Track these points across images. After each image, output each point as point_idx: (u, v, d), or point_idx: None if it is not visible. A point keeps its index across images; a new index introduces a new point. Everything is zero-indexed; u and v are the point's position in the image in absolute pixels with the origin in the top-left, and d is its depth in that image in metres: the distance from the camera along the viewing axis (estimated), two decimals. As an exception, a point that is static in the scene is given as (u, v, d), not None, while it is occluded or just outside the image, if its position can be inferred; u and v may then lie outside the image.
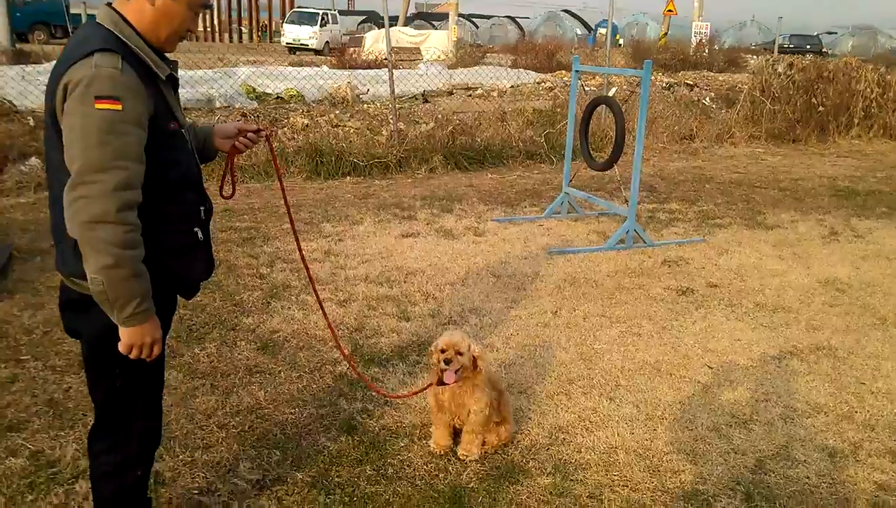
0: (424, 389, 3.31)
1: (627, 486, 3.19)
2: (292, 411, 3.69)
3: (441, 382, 3.17)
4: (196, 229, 2.30)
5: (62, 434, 3.39)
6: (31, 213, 7.02)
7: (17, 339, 4.36)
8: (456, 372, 3.10)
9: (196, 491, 3.03)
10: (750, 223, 7.80)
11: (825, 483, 3.26)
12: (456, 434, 3.36)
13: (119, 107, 1.94)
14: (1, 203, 7.41)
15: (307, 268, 3.14)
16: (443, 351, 3.09)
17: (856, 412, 3.90)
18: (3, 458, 3.19)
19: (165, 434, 3.37)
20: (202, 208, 2.34)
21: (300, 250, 3.08)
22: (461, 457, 3.28)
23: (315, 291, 3.22)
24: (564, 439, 3.54)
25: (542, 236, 7.07)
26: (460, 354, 3.09)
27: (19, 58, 16.20)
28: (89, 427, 2.41)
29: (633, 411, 3.82)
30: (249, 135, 2.61)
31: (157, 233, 2.13)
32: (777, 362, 4.46)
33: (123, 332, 2.08)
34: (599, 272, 6.03)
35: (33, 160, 8.23)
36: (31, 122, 9.05)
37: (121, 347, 2.10)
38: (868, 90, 14.22)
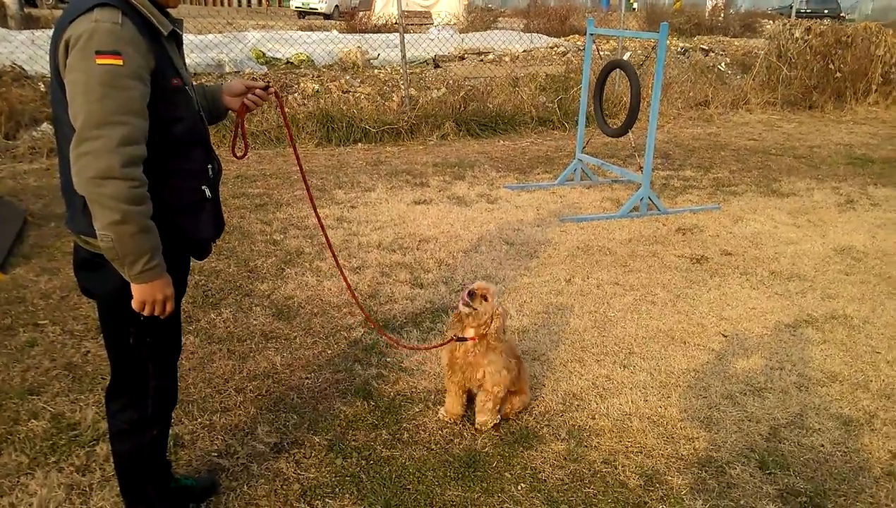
0: (445, 343, 3.32)
1: (641, 452, 3.20)
2: (308, 376, 3.72)
3: (460, 338, 3.19)
4: (204, 187, 2.29)
5: (82, 397, 3.44)
6: (44, 179, 7.04)
7: (34, 304, 4.40)
8: (472, 309, 3.11)
9: (215, 454, 3.07)
10: (765, 190, 7.73)
11: (839, 452, 3.27)
12: (469, 402, 3.39)
13: (120, 61, 1.93)
14: (14, 168, 7.43)
15: (324, 231, 3.13)
16: (471, 293, 3.12)
17: (871, 381, 3.89)
18: (25, 420, 3.24)
19: (184, 398, 3.42)
20: (210, 166, 2.34)
21: (317, 214, 3.06)
22: (477, 428, 3.29)
23: (333, 254, 3.20)
24: (578, 405, 3.55)
25: (554, 203, 7.04)
26: (486, 299, 3.12)
27: (28, 23, 16.10)
28: (109, 389, 2.44)
29: (647, 378, 3.83)
30: (258, 92, 2.59)
31: (163, 189, 2.13)
32: (792, 330, 4.45)
33: (135, 289, 2.09)
34: (613, 240, 6.01)
35: (45, 126, 8.23)
36: (42, 88, 9.03)
37: (133, 304, 2.12)
38: (888, 55, 13.93)
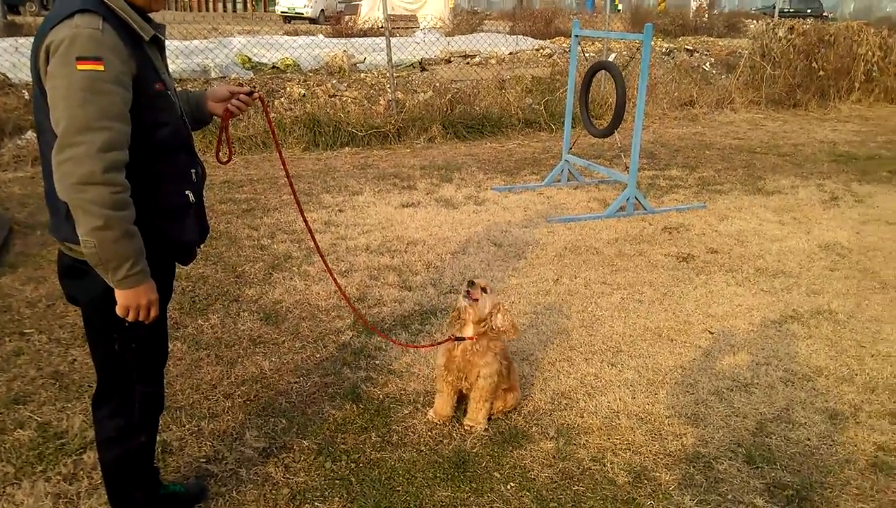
0: (442, 342, 3.34)
1: (630, 449, 3.22)
2: (297, 380, 3.72)
3: (458, 338, 3.22)
4: (187, 191, 2.29)
5: (68, 405, 3.42)
6: (29, 187, 7.00)
7: (20, 313, 4.37)
8: (472, 300, 3.16)
9: (203, 460, 3.07)
10: (750, 189, 7.78)
11: (825, 445, 3.30)
12: (460, 401, 3.39)
13: (101, 67, 1.93)
14: (-1, 177, 7.38)
15: (311, 233, 3.12)
16: (471, 283, 3.17)
17: (856, 374, 3.93)
18: (11, 430, 3.22)
19: (171, 404, 3.40)
20: (193, 171, 2.34)
21: (303, 215, 3.06)
22: (467, 427, 3.31)
23: (322, 256, 3.22)
24: (567, 404, 3.57)
25: (542, 204, 7.06)
26: (485, 292, 3.17)
27: (12, 30, 16.00)
28: (96, 396, 2.43)
29: (635, 376, 3.85)
30: (242, 97, 2.59)
31: (147, 194, 2.13)
32: (777, 326, 4.49)
33: (119, 294, 2.09)
34: (600, 239, 6.03)
35: (29, 134, 8.18)
36: (26, 96, 8.97)
37: (118, 309, 2.12)
38: (869, 54, 14.10)
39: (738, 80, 13.80)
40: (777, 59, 13.62)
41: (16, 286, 4.74)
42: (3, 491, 2.84)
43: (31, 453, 3.06)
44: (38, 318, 4.31)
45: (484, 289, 3.19)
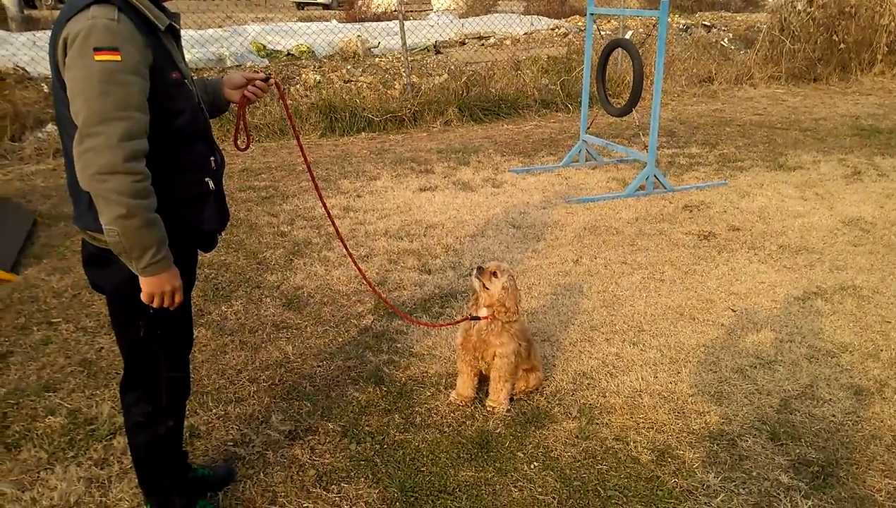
0: (459, 321, 3.38)
1: (653, 428, 3.22)
2: (320, 364, 3.75)
3: (474, 317, 3.25)
4: (207, 179, 2.31)
5: (97, 392, 3.48)
6: (51, 179, 7.08)
7: (47, 303, 4.44)
8: (482, 283, 3.20)
9: (231, 443, 3.11)
10: (771, 165, 7.69)
11: (850, 421, 3.28)
12: (482, 383, 3.41)
13: (118, 57, 1.95)
14: (22, 170, 7.48)
15: (330, 216, 3.14)
16: (479, 269, 3.21)
17: (881, 350, 3.89)
18: (42, 417, 3.28)
19: (198, 389, 3.46)
20: (212, 158, 2.36)
21: (322, 201, 3.08)
22: (489, 408, 3.32)
23: (342, 241, 3.24)
24: (589, 384, 3.57)
25: (560, 185, 7.03)
26: (495, 276, 3.18)
27: (29, 24, 16.12)
28: (124, 383, 2.48)
29: (657, 355, 3.84)
30: (258, 83, 2.60)
31: (167, 182, 2.15)
32: (801, 303, 4.45)
33: (143, 282, 2.12)
34: (620, 219, 6.00)
35: (50, 126, 8.27)
36: (46, 89, 9.06)
37: (142, 296, 2.15)
38: (892, 25, 13.79)
39: (757, 54, 13.59)
40: (796, 33, 13.38)
41: (41, 277, 4.82)
42: (38, 476, 2.90)
43: (62, 439, 3.13)
44: (64, 308, 4.38)
45: (494, 274, 3.20)
